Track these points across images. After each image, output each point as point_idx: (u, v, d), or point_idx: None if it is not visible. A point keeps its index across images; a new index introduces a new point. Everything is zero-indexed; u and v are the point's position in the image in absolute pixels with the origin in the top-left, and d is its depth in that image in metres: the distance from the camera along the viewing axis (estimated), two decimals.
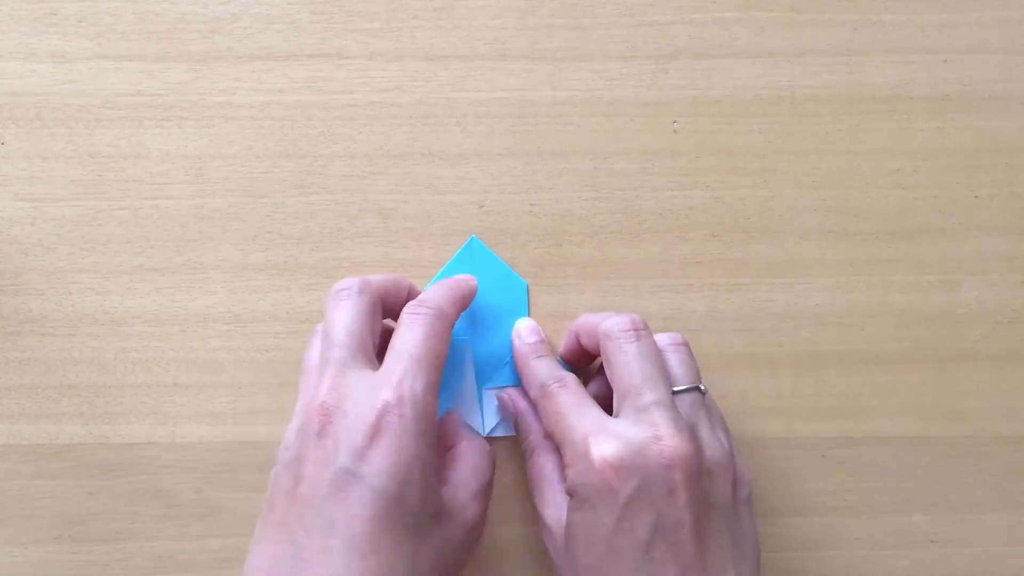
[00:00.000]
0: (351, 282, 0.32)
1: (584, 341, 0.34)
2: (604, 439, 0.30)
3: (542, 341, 0.35)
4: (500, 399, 0.36)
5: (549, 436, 0.33)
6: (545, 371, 0.34)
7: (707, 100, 0.37)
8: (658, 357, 0.32)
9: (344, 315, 0.31)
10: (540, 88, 0.37)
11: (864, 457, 0.37)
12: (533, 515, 0.37)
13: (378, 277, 0.34)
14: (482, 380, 0.37)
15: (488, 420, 0.37)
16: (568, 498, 0.31)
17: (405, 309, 0.32)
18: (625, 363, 0.32)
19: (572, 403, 0.32)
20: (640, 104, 0.37)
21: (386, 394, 0.29)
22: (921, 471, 0.38)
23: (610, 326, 0.32)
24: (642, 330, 0.32)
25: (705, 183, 0.37)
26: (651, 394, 0.31)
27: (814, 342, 0.38)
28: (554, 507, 0.32)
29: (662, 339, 0.33)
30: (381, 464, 0.28)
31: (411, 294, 0.35)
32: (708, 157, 0.37)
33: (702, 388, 0.33)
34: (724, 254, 0.38)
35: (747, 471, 0.33)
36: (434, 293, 0.33)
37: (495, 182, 0.37)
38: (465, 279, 0.35)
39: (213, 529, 0.37)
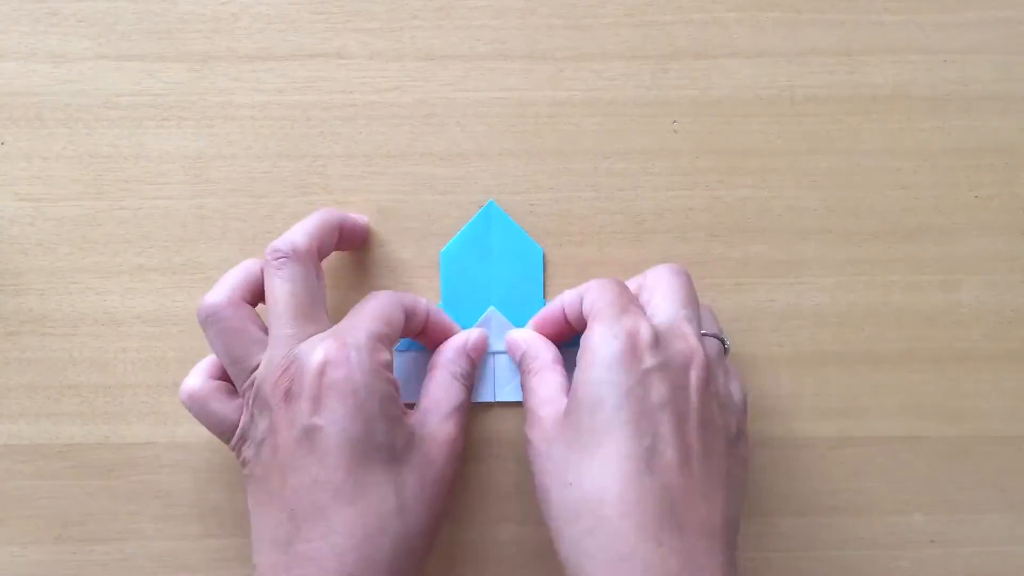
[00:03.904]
0: (284, 247, 0.32)
1: (573, 320, 0.35)
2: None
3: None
4: (508, 340, 0.36)
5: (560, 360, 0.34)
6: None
7: (707, 100, 0.37)
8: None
9: (285, 287, 0.32)
10: (540, 88, 0.37)
11: (864, 457, 0.37)
12: (534, 515, 0.37)
13: (309, 228, 0.34)
14: (494, 346, 0.37)
15: (500, 385, 0.37)
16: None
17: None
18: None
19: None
20: (640, 104, 0.37)
21: (328, 349, 0.31)
22: (921, 471, 0.38)
23: (598, 303, 0.33)
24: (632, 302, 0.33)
25: (705, 183, 0.37)
26: (681, 311, 0.32)
27: (814, 342, 0.38)
28: (541, 431, 0.32)
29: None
30: (337, 413, 0.30)
31: (345, 228, 0.35)
32: (708, 157, 0.37)
33: (725, 342, 0.34)
34: (724, 254, 0.38)
35: (751, 440, 0.34)
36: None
37: (495, 182, 0.37)
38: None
39: (213, 529, 0.37)
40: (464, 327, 0.36)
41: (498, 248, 0.37)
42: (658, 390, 0.30)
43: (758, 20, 0.37)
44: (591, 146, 0.37)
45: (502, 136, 0.37)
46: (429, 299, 0.36)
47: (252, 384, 0.32)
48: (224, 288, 0.33)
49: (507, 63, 0.37)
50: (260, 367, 0.32)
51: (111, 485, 0.37)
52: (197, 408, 0.33)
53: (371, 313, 0.32)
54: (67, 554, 0.37)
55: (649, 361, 0.30)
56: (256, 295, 0.33)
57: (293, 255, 0.32)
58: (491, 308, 0.37)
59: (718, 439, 0.31)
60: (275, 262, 0.32)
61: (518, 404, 0.36)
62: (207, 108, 0.37)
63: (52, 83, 0.37)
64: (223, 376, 0.33)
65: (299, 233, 0.33)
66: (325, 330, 0.32)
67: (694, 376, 0.31)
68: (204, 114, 0.37)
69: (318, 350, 0.31)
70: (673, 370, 0.30)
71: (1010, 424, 0.38)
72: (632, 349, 0.30)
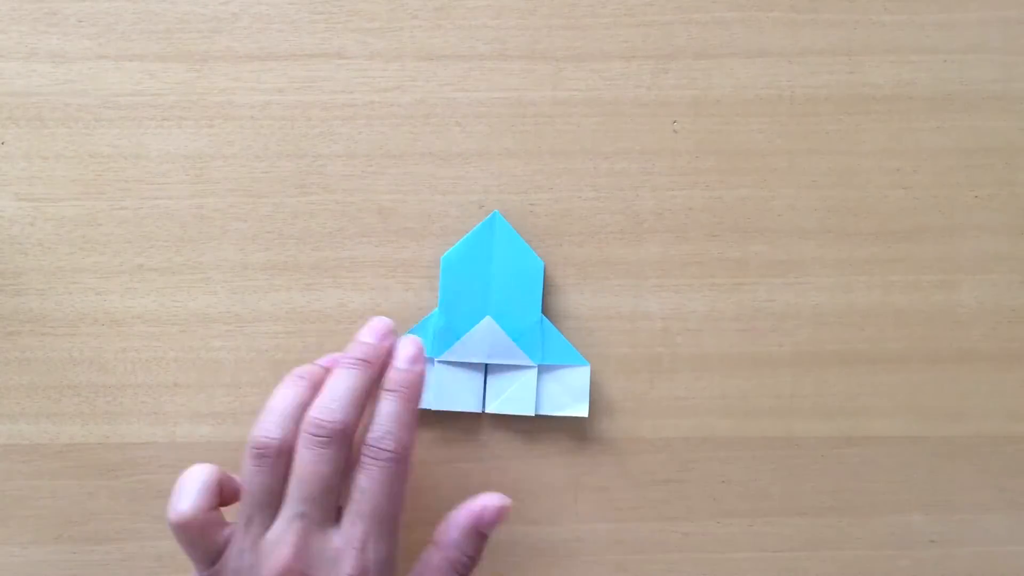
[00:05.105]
0: (332, 425, 0.30)
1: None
2: None
3: None
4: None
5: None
6: None
7: (707, 100, 0.37)
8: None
9: (325, 466, 0.30)
10: (540, 88, 0.37)
11: (864, 457, 0.37)
12: (534, 515, 0.37)
13: (354, 406, 0.31)
14: (487, 358, 0.37)
15: (490, 398, 0.37)
16: None
17: (365, 450, 0.31)
18: None
19: None
20: (640, 104, 0.37)
21: (349, 568, 0.30)
22: (921, 471, 0.38)
23: None
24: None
25: (705, 183, 0.37)
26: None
27: (814, 342, 0.38)
28: None
29: None
30: None
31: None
32: (708, 157, 0.37)
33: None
34: (724, 254, 0.38)
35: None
36: (394, 423, 0.31)
37: (495, 182, 0.37)
38: (419, 376, 0.32)
39: None
40: (460, 334, 0.36)
41: (499, 259, 0.37)
42: None
43: (758, 20, 0.37)
44: (591, 146, 0.37)
45: (502, 136, 0.37)
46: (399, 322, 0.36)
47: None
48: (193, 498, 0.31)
49: (507, 63, 0.37)
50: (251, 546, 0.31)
51: (111, 485, 0.37)
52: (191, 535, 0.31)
53: (390, 519, 0.31)
54: (67, 554, 0.37)
55: None
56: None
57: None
58: (487, 318, 0.36)
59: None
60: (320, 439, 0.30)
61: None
62: (207, 108, 0.37)
63: (52, 83, 0.37)
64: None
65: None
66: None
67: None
68: (204, 114, 0.37)
69: (337, 569, 0.30)
70: None
71: (1010, 424, 0.38)
72: None
